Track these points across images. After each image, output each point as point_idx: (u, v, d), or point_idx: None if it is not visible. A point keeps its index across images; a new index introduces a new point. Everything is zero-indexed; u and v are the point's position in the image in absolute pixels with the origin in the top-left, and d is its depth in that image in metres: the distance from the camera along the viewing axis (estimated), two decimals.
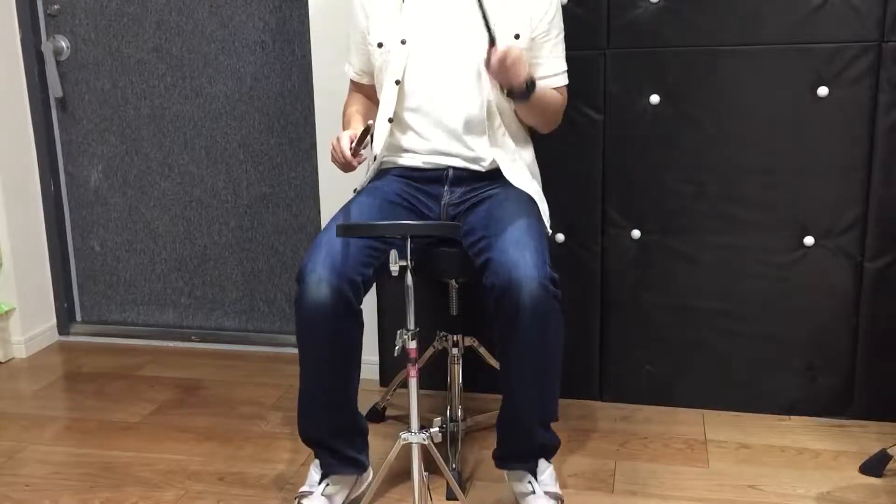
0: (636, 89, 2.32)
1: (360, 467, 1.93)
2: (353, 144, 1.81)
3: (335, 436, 1.89)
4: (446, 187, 1.99)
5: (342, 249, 1.78)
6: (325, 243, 1.79)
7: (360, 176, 2.19)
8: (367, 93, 2.14)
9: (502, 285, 1.72)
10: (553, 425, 1.92)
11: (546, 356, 1.79)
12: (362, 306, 1.82)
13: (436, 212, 2.01)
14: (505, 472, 1.95)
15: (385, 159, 2.05)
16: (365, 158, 1.87)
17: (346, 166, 1.83)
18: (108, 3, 2.91)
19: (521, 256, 1.72)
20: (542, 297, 1.70)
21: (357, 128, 1.92)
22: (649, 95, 2.31)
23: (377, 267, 1.83)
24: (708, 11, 2.23)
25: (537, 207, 1.96)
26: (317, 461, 1.94)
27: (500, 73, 1.77)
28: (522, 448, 1.89)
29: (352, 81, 2.15)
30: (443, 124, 1.96)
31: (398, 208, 1.96)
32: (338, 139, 1.83)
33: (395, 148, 2.02)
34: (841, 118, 2.22)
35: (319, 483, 1.91)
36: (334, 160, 1.86)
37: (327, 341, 1.79)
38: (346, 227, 1.66)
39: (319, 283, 1.74)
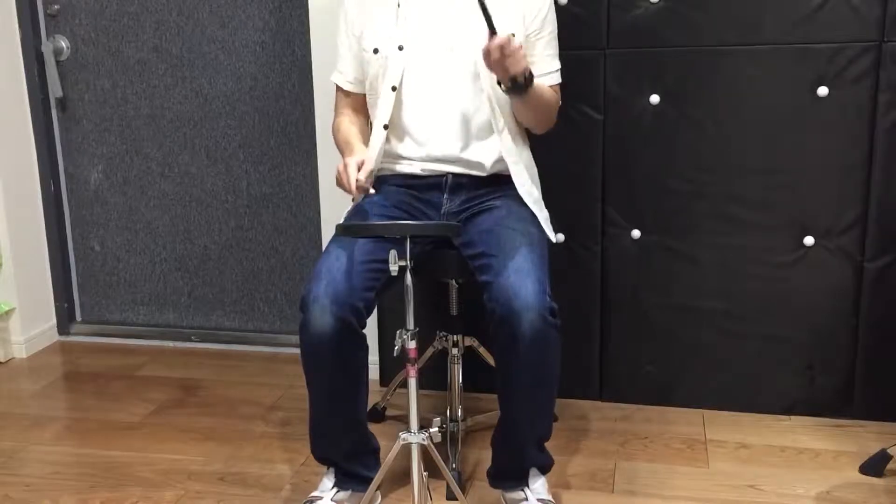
0: (636, 89, 2.32)
1: (370, 484, 1.94)
2: (360, 174, 1.78)
3: (347, 458, 1.92)
4: (445, 195, 1.97)
5: (344, 277, 1.76)
6: (326, 270, 1.77)
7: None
8: (356, 106, 2.07)
9: (502, 313, 1.71)
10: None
11: (543, 383, 1.79)
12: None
13: (436, 220, 2.00)
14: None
15: (382, 166, 2.02)
16: (371, 191, 1.84)
17: (351, 193, 1.81)
18: (108, 3, 2.91)
19: (522, 286, 1.71)
20: (541, 328, 1.70)
21: (361, 156, 1.85)
22: (649, 95, 2.31)
23: (379, 289, 1.82)
24: (708, 11, 2.23)
25: (539, 224, 1.95)
26: (331, 470, 1.96)
27: (498, 63, 1.73)
28: (516, 467, 1.90)
29: (340, 92, 2.06)
30: (441, 130, 1.93)
31: (398, 220, 1.95)
32: (345, 166, 1.79)
33: (392, 155, 1.99)
34: (841, 118, 2.22)
35: (330, 489, 1.93)
36: (339, 185, 1.83)
37: (333, 368, 1.79)
38: (347, 227, 1.66)
39: (323, 312, 1.72)
